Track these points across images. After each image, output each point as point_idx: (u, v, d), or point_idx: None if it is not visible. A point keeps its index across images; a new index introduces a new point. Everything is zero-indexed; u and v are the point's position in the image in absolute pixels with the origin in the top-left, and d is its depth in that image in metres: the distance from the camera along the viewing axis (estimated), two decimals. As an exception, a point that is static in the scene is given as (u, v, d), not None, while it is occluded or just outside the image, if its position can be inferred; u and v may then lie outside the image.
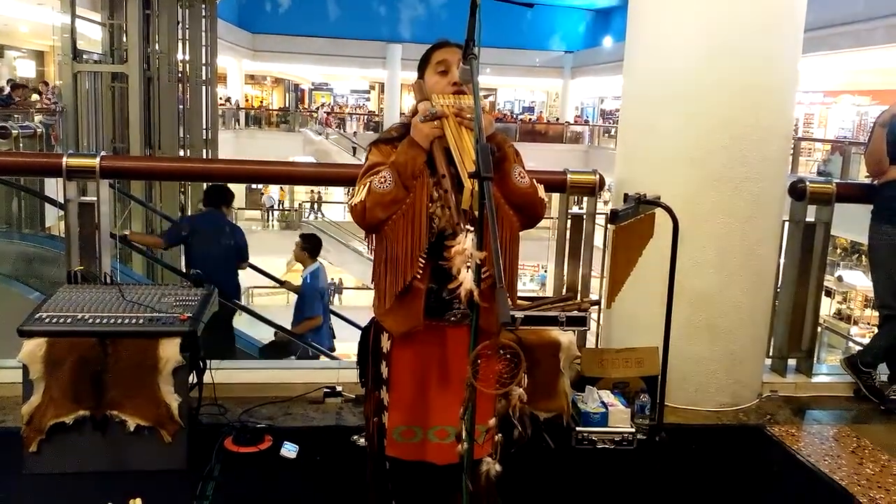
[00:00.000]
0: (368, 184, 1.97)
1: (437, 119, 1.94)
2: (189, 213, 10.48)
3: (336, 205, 23.73)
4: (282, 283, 7.99)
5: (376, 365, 2.15)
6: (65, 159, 3.54)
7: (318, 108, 29.68)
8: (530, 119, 32.89)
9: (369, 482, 2.27)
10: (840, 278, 16.62)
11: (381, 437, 2.15)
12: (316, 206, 24.93)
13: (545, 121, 32.20)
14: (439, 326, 2.07)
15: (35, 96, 14.03)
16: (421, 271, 1.99)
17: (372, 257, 2.13)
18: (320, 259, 6.56)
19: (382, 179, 1.95)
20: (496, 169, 1.85)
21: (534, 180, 2.08)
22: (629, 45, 3.85)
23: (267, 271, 8.74)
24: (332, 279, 23.71)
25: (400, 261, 1.98)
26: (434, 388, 2.08)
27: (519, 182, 2.02)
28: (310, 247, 6.46)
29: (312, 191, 25.81)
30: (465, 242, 1.75)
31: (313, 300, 6.25)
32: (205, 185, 10.40)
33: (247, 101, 31.57)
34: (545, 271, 23.12)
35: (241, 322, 10.30)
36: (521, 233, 2.11)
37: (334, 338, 6.77)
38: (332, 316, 7.01)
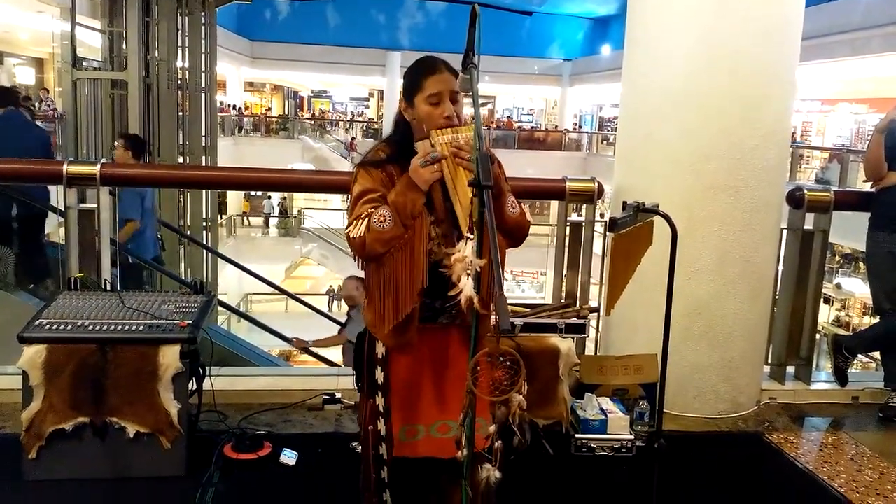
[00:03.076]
0: (367, 220, 1.97)
1: (437, 162, 1.93)
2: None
3: (336, 211, 23.75)
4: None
5: (371, 371, 2.16)
6: (65, 166, 3.55)
7: (345, 132, 29.51)
8: (532, 127, 32.97)
9: (361, 490, 2.27)
10: (839, 285, 16.63)
11: (377, 445, 2.15)
12: (286, 211, 25.10)
13: (543, 128, 32.28)
14: (432, 329, 2.09)
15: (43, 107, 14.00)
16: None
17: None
18: None
19: (382, 218, 1.95)
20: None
21: (521, 204, 2.13)
22: (627, 54, 3.87)
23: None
24: (331, 286, 23.75)
25: (399, 293, 1.99)
26: (433, 386, 2.10)
27: (511, 212, 2.07)
28: (132, 145, 6.04)
29: (284, 197, 25.99)
30: (466, 250, 1.76)
31: (132, 203, 5.73)
32: (204, 192, 10.44)
33: (246, 107, 31.63)
34: (544, 276, 23.18)
35: (240, 329, 10.32)
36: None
37: (163, 250, 6.49)
38: (160, 226, 6.69)
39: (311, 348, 6.82)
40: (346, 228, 2.03)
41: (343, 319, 7.71)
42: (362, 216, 1.99)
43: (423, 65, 2.07)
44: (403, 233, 1.97)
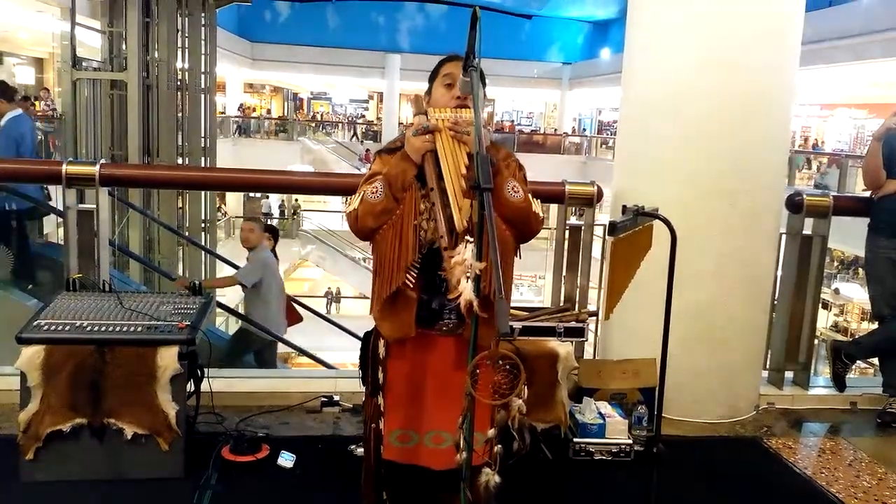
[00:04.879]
0: (362, 193, 2.03)
1: (429, 133, 1.98)
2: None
3: (334, 213, 23.73)
4: None
5: (374, 371, 2.18)
6: (65, 167, 3.54)
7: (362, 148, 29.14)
8: (532, 130, 32.94)
9: (362, 488, 2.27)
10: (837, 291, 16.63)
11: (378, 443, 2.16)
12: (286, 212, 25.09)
13: (542, 131, 32.22)
14: (432, 335, 2.10)
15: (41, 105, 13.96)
16: (413, 281, 2.02)
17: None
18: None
19: (374, 190, 2.01)
20: None
21: (529, 195, 2.09)
22: (627, 57, 3.87)
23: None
24: (329, 288, 23.72)
25: (388, 269, 2.02)
26: (429, 395, 2.11)
27: (511, 196, 2.03)
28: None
29: (282, 200, 25.80)
30: (465, 253, 1.76)
31: (7, 148, 5.68)
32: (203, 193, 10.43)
33: (248, 109, 31.54)
34: (542, 279, 23.12)
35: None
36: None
37: (50, 199, 6.39)
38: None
39: None
40: (346, 207, 2.09)
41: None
42: (360, 193, 2.05)
43: (444, 56, 2.17)
44: (394, 206, 2.00)
